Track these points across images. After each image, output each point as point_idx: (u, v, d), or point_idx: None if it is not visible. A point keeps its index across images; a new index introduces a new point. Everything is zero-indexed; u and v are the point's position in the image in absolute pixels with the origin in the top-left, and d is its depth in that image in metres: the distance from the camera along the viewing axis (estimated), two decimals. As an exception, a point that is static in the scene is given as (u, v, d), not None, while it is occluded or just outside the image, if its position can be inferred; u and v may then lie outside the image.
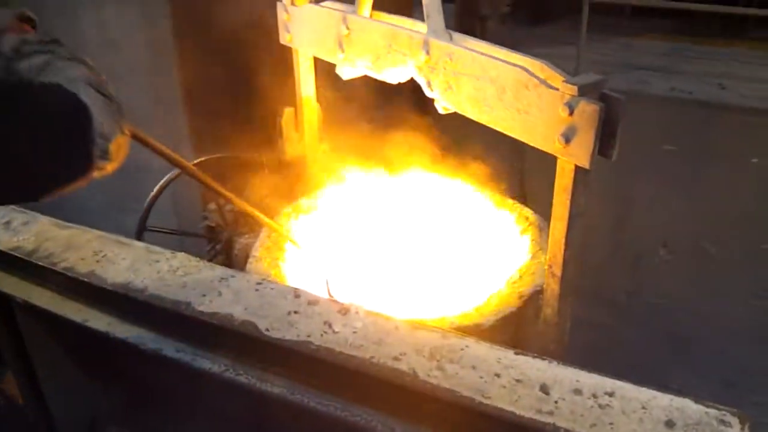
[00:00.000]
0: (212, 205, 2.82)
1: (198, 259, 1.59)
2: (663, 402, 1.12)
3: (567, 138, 1.38)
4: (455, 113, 1.68)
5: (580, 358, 1.46)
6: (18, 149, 1.00)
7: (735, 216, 3.64)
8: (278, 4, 2.10)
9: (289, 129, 2.30)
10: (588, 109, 1.33)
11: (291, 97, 2.28)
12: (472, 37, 1.63)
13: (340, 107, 2.40)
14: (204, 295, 1.44)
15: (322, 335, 1.30)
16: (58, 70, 1.06)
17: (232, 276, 1.51)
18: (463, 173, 2.22)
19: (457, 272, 2.07)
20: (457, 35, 1.67)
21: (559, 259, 1.52)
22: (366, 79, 1.97)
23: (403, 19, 1.83)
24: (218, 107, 2.97)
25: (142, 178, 3.36)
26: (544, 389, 1.15)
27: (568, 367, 1.20)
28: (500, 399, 1.14)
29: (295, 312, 1.37)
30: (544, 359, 1.22)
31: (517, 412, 1.11)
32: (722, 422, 1.08)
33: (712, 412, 1.10)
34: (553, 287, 1.55)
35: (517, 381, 1.17)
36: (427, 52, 1.66)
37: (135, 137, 1.26)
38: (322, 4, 2.01)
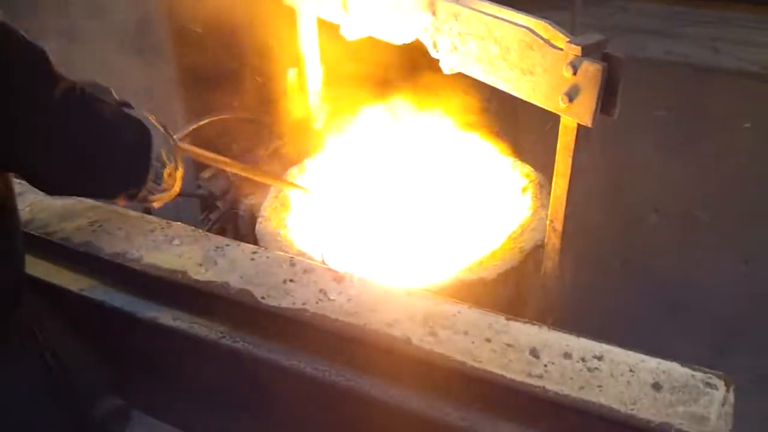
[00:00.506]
0: (206, 173, 2.83)
1: (193, 228, 1.60)
2: (650, 365, 1.15)
3: (570, 97, 1.40)
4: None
5: (571, 322, 1.49)
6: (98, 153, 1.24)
7: (727, 182, 3.66)
8: None
9: (294, 90, 2.31)
10: (591, 69, 1.36)
11: (292, 59, 2.28)
12: (476, -2, 1.64)
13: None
14: (200, 264, 1.46)
15: (317, 302, 1.33)
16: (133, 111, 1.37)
17: (228, 245, 1.53)
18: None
19: (460, 227, 2.10)
20: (463, -6, 1.67)
21: (561, 215, 1.56)
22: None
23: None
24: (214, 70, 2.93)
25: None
26: (534, 353, 1.18)
27: (557, 332, 1.23)
28: (491, 363, 1.16)
29: (291, 280, 1.39)
30: (534, 324, 1.25)
31: (508, 375, 1.14)
32: (708, 384, 1.11)
33: (698, 375, 1.13)
34: (554, 241, 1.60)
35: (508, 345, 1.20)
36: (433, 13, 1.66)
37: (188, 153, 1.53)
38: (327, -35, 1.99)
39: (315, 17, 2.14)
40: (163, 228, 1.59)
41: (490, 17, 1.54)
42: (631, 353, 1.18)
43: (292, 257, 1.48)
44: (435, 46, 1.70)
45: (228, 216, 2.43)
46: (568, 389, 1.11)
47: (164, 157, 1.35)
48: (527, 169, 2.07)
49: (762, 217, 3.44)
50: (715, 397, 1.08)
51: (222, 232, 2.41)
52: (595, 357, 1.17)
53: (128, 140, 1.30)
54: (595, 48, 1.37)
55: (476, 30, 1.57)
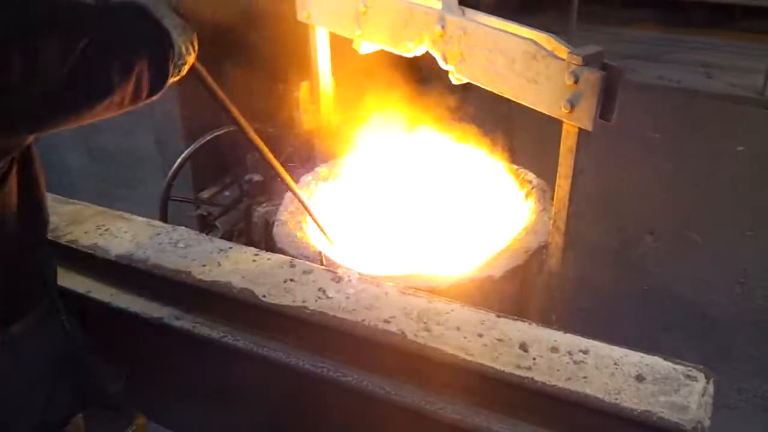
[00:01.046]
0: (205, 193, 2.88)
1: (197, 232, 1.66)
2: (634, 359, 1.20)
3: (572, 104, 1.49)
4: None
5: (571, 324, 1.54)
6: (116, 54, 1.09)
7: (720, 204, 3.73)
8: None
9: (306, 102, 2.42)
10: (591, 77, 1.44)
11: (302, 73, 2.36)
12: (483, 13, 1.74)
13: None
14: (204, 265, 1.51)
15: (316, 300, 1.38)
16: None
17: (230, 248, 1.58)
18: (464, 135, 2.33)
19: (469, 230, 2.20)
20: (469, 11, 1.77)
21: (563, 214, 1.63)
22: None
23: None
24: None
25: (128, 163, 3.40)
26: (524, 347, 1.23)
27: (546, 328, 1.29)
28: (482, 356, 1.22)
29: (291, 280, 1.45)
30: (524, 321, 1.31)
31: (498, 367, 1.19)
32: (689, 377, 1.17)
33: (680, 368, 1.19)
34: (557, 240, 1.67)
35: (499, 340, 1.25)
36: (442, 27, 1.76)
37: (195, 72, 1.37)
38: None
39: (328, 32, 2.24)
40: (168, 232, 1.65)
41: (497, 30, 1.65)
42: (615, 348, 1.23)
43: (292, 259, 1.54)
44: (444, 58, 1.80)
45: (240, 224, 2.51)
46: (555, 380, 1.16)
47: (184, 51, 1.25)
48: (530, 175, 2.15)
49: (755, 237, 3.50)
50: (695, 388, 1.14)
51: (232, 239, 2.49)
52: (581, 351, 1.22)
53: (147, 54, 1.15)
54: (595, 58, 1.47)
55: (484, 42, 1.67)
